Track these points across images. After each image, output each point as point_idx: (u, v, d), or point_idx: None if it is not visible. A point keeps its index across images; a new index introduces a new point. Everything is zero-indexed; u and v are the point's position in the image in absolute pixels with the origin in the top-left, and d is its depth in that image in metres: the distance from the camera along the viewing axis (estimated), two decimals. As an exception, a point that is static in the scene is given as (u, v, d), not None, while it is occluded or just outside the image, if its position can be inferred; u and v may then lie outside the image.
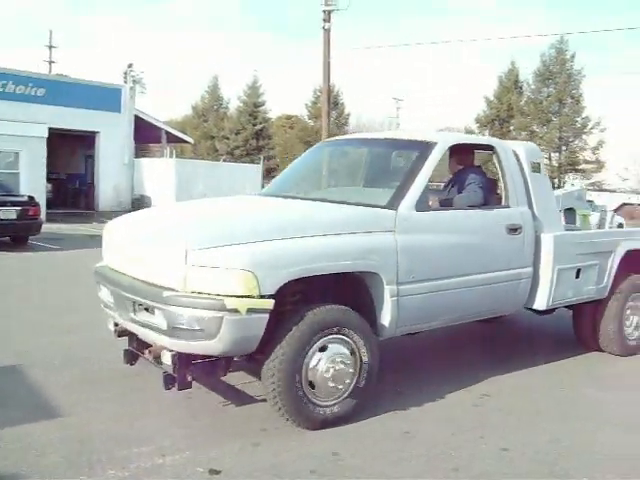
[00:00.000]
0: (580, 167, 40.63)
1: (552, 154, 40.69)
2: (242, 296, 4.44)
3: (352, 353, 4.97)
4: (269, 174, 41.81)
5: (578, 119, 40.49)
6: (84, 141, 29.26)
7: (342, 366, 4.88)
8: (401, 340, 7.00)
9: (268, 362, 4.70)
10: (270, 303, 4.52)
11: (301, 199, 6.09)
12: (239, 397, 5.51)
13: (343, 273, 4.97)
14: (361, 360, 5.01)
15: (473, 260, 5.84)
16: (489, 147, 6.60)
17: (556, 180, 40.75)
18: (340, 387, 4.91)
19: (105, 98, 27.95)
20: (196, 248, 4.53)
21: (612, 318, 7.15)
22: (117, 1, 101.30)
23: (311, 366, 4.79)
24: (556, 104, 40.80)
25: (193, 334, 4.50)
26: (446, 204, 5.94)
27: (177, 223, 5.33)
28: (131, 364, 5.60)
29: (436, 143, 5.94)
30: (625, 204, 10.95)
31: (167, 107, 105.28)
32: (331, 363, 4.83)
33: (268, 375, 4.72)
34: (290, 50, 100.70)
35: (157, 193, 28.49)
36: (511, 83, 44.19)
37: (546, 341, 7.97)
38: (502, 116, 44.05)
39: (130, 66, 44.03)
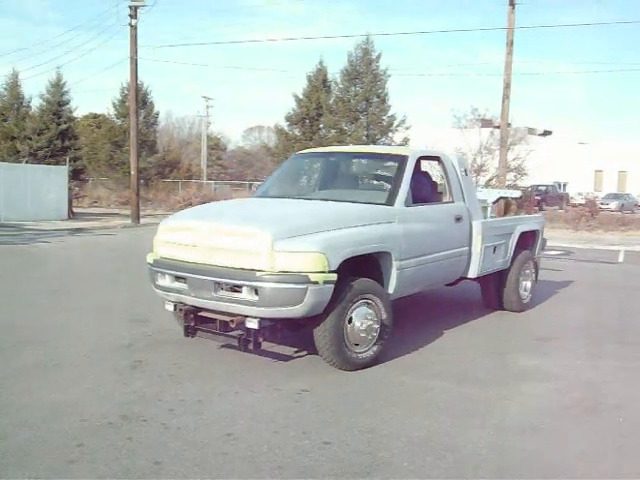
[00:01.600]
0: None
1: (361, 151, 41.72)
2: (318, 272, 6.02)
3: (375, 313, 6.60)
4: (76, 176, 40.06)
5: (384, 117, 41.69)
6: None
7: (370, 322, 6.52)
8: (204, 342, 6.98)
9: (323, 321, 6.24)
10: (335, 276, 6.14)
11: (319, 199, 7.73)
12: (51, 412, 5.19)
13: (368, 253, 6.70)
14: (381, 318, 6.65)
15: (439, 241, 7.92)
16: (437, 158, 8.73)
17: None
18: (369, 337, 6.54)
19: None
20: (279, 238, 6.04)
21: (512, 284, 9.52)
22: None
23: (350, 322, 6.40)
24: (363, 103, 41.92)
25: (283, 302, 5.99)
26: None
27: (252, 219, 6.67)
28: (192, 337, 6.85)
29: (408, 156, 7.96)
30: (502, 197, 12.41)
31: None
32: (363, 320, 6.47)
33: (322, 330, 6.28)
34: (96, 47, 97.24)
35: (-48, 198, 26.59)
36: (320, 82, 44.85)
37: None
38: (312, 114, 44.63)
39: None
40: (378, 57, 42.11)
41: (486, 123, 36.69)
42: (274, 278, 5.96)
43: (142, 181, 34.69)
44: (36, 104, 47.28)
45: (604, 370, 6.79)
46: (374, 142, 41.23)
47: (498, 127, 29.32)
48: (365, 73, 41.75)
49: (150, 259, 7.10)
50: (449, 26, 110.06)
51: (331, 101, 43.70)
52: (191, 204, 39.17)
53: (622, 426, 5.24)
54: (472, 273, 8.65)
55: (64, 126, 44.67)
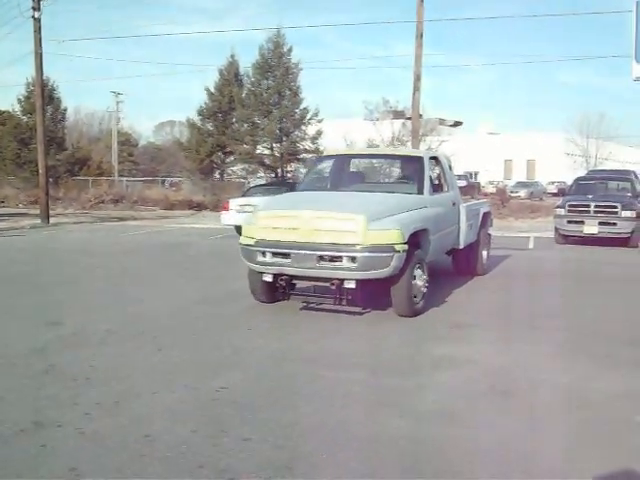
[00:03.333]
0: (301, 156, 41.90)
1: (274, 144, 41.62)
2: (399, 243, 8.18)
3: (424, 274, 8.86)
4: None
5: (297, 110, 41.66)
6: None
7: (423, 281, 8.83)
8: (120, 343, 6.88)
9: (398, 281, 8.38)
10: (407, 246, 8.31)
11: (374, 192, 10.06)
12: None
13: (419, 229, 8.94)
14: (427, 277, 8.94)
15: (446, 220, 10.40)
16: (436, 158, 11.41)
17: (279, 170, 41.97)
18: (422, 291, 8.83)
19: None
20: (370, 220, 8.20)
21: (479, 253, 12.19)
22: None
23: (413, 281, 8.58)
24: (276, 96, 41.82)
25: (375, 266, 8.12)
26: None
27: (344, 207, 8.76)
28: (287, 299, 8.96)
29: (424, 157, 10.51)
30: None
31: None
32: (420, 279, 8.76)
33: (398, 287, 8.44)
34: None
35: None
36: (232, 76, 44.63)
37: (271, 332, 8.16)
38: (224, 108, 44.36)
39: None
40: (290, 50, 42.15)
41: (398, 115, 37.18)
42: (369, 249, 8.08)
43: (51, 179, 33.71)
44: None
45: (516, 355, 6.97)
46: (287, 135, 41.28)
47: (410, 119, 29.73)
48: (277, 66, 41.70)
49: (247, 241, 8.81)
50: (361, 20, 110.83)
51: (243, 95, 43.52)
52: (103, 202, 38.45)
53: (534, 409, 5.40)
54: (461, 244, 11.22)
55: (-36, 124, 43.02)
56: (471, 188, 45.71)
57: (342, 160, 11.60)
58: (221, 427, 4.86)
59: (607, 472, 4.21)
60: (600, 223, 18.03)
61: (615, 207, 18.07)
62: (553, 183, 60.62)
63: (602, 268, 14.12)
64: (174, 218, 30.97)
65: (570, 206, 18.71)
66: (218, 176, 46.39)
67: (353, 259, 8.10)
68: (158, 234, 22.18)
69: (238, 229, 20.80)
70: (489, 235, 13.30)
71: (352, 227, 8.19)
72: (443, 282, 10.96)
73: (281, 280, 8.64)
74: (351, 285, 8.20)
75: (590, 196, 18.99)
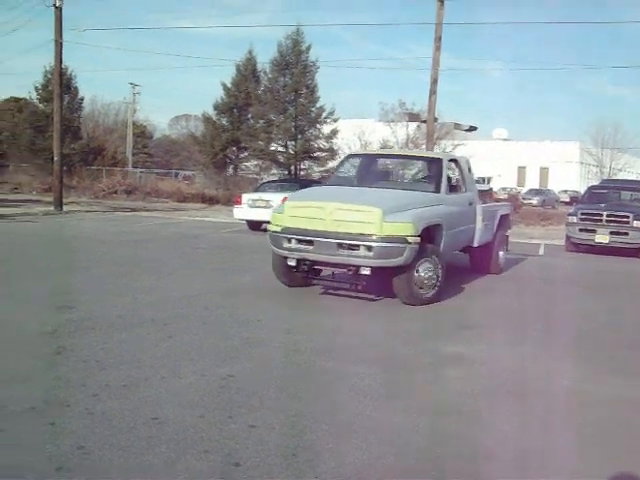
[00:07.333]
0: (315, 155, 41.86)
1: (289, 142, 41.57)
2: (412, 235, 8.87)
3: (434, 267, 9.39)
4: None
5: (313, 109, 41.60)
6: None
7: (430, 273, 9.35)
8: (130, 328, 6.92)
9: (403, 271, 9.01)
10: (419, 239, 8.99)
11: (393, 189, 10.77)
12: None
13: (433, 224, 9.61)
14: (438, 271, 9.43)
15: (462, 219, 10.96)
16: (455, 160, 12.05)
17: (292, 167, 41.96)
18: (429, 283, 9.33)
19: None
20: (386, 213, 8.88)
21: (495, 253, 12.68)
22: None
23: (417, 273, 9.18)
24: (292, 94, 41.79)
25: (390, 256, 8.83)
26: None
27: (364, 201, 9.36)
28: (312, 284, 9.91)
29: (443, 159, 11.40)
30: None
31: None
32: (426, 271, 9.29)
33: (401, 277, 9.09)
34: (18, 28, 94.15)
35: None
36: (249, 72, 44.59)
37: (279, 321, 8.20)
38: (240, 104, 44.34)
39: None
40: (308, 48, 42.03)
41: (413, 117, 37.08)
42: (385, 239, 8.81)
43: (65, 168, 33.81)
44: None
45: (523, 357, 6.98)
46: (302, 133, 41.25)
47: (425, 122, 29.66)
48: (294, 64, 41.61)
49: (275, 229, 9.63)
50: (381, 20, 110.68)
51: (260, 91, 43.48)
52: (116, 192, 38.56)
53: (541, 408, 5.43)
54: (476, 243, 11.75)
55: (-18, 109, 43.15)
56: (483, 194, 45.79)
57: (368, 159, 12.72)
58: (228, 413, 4.92)
59: (609, 475, 4.24)
60: (612, 232, 17.99)
61: (627, 217, 18.02)
62: (566, 192, 60.44)
63: (612, 277, 14.11)
64: (186, 211, 31.04)
65: (582, 214, 18.67)
66: (231, 171, 46.41)
67: (369, 248, 8.82)
68: (171, 225, 22.26)
69: (250, 223, 21.20)
70: (507, 237, 13.82)
71: (370, 219, 8.88)
72: (455, 280, 10.99)
73: (304, 265, 9.51)
74: (366, 272, 8.93)
75: (603, 205, 18.94)
